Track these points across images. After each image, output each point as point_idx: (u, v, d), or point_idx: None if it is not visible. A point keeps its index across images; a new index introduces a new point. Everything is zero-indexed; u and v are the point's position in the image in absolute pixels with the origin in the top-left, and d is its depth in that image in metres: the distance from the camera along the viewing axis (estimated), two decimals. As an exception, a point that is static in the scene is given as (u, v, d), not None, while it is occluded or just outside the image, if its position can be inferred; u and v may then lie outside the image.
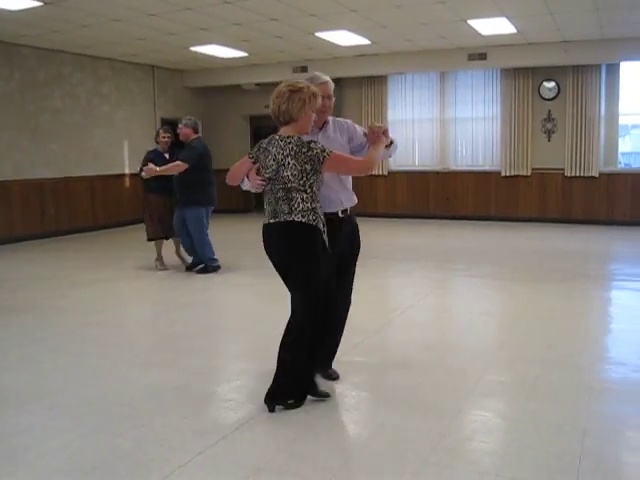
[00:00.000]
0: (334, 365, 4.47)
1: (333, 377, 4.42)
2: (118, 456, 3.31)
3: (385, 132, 4.12)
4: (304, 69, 14.29)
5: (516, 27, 10.96)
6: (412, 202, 14.74)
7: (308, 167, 3.79)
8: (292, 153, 3.78)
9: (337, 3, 9.27)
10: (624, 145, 14.84)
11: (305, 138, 3.87)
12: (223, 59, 13.86)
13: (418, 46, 12.61)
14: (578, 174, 13.12)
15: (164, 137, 8.67)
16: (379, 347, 5.34)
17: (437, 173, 14.43)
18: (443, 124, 14.39)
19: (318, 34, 11.45)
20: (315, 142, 3.85)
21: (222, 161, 16.52)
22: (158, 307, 6.93)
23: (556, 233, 12.08)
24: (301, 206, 3.80)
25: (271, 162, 3.85)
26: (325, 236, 3.89)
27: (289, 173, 3.79)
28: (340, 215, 4.20)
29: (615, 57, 12.41)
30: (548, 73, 13.23)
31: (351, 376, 4.57)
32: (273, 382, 3.91)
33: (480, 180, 14.09)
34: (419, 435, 3.53)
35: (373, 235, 12.45)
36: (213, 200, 8.55)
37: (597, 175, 13.05)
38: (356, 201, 4.35)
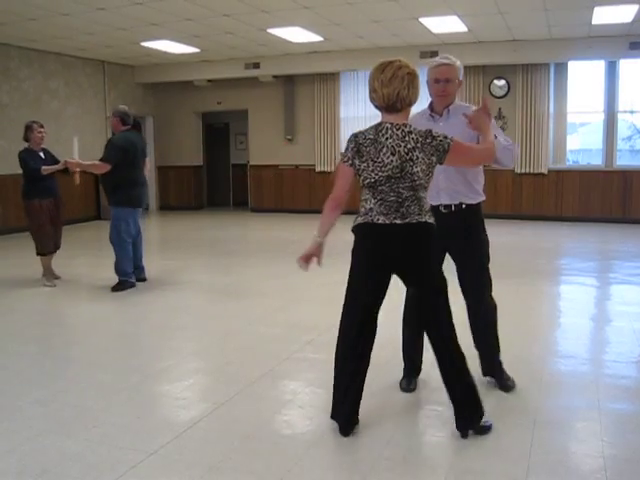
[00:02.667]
0: None
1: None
2: (68, 458, 3.25)
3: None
4: (256, 65, 14.27)
5: (467, 25, 11.09)
6: (365, 199, 14.77)
7: (434, 159, 3.31)
8: (418, 145, 3.26)
9: (289, 0, 9.26)
10: (572, 143, 15.12)
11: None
12: (175, 55, 13.73)
13: (370, 43, 12.67)
14: (528, 171, 13.35)
15: (40, 132, 7.52)
16: (332, 343, 5.31)
17: (390, 170, 14.51)
18: (395, 121, 14.45)
19: (270, 30, 11.42)
20: (432, 130, 3.35)
21: (174, 158, 16.50)
22: (107, 306, 6.83)
23: (506, 229, 12.26)
24: (427, 206, 3.38)
25: (389, 157, 3.28)
26: None
27: (418, 169, 3.27)
28: (443, 211, 3.90)
29: (563, 56, 12.65)
30: (498, 71, 13.42)
31: (305, 373, 4.58)
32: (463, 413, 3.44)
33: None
34: (372, 431, 3.54)
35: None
36: (141, 201, 7.45)
37: (546, 172, 13.30)
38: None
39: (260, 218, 14.95)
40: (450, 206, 3.94)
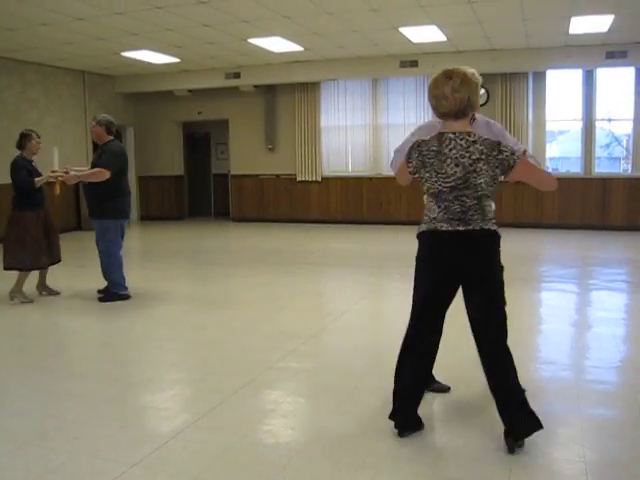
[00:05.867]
0: None
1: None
2: (50, 470, 3.22)
3: None
4: (237, 75, 14.30)
5: (446, 35, 11.18)
6: (346, 208, 14.85)
7: (498, 172, 3.28)
8: (483, 157, 3.23)
9: (270, 10, 9.28)
10: (551, 150, 15.27)
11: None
12: (155, 65, 13.71)
13: (350, 53, 12.73)
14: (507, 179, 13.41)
15: (38, 142, 7.21)
16: (314, 352, 5.35)
17: (370, 179, 14.57)
18: (376, 130, 14.54)
19: (251, 40, 11.45)
20: (501, 142, 3.31)
21: (154, 167, 16.46)
22: (88, 318, 6.78)
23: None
24: (490, 214, 3.37)
25: (453, 168, 3.28)
26: None
27: (482, 181, 3.26)
28: None
29: (541, 65, 12.78)
30: (477, 80, 13.50)
31: (287, 382, 4.57)
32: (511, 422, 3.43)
33: (412, 185, 14.26)
34: (355, 439, 3.55)
35: (307, 241, 12.50)
36: (128, 212, 7.39)
37: (526, 180, 13.37)
38: None
39: (241, 228, 14.94)
40: None
